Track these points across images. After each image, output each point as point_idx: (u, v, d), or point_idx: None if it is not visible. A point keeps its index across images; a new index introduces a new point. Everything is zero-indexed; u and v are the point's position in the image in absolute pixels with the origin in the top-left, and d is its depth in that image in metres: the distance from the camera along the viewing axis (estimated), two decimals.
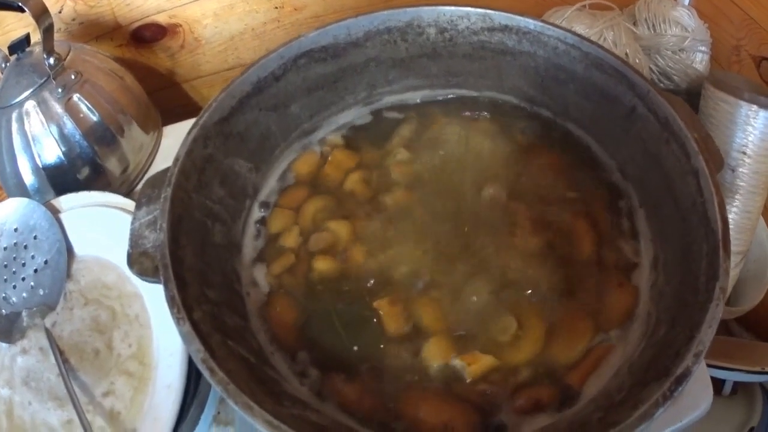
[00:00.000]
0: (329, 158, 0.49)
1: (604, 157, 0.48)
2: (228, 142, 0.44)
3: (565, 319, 0.40)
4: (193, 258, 0.38)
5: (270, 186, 0.48)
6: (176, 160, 0.39)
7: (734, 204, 0.58)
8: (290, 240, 0.45)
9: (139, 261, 0.38)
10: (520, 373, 0.38)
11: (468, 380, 0.38)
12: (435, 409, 0.37)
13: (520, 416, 0.36)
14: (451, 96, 0.53)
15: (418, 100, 0.53)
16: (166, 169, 0.40)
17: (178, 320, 0.33)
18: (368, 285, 0.42)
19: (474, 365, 0.38)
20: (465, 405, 0.37)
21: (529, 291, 0.41)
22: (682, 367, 0.31)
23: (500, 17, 0.46)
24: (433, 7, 0.47)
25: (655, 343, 0.36)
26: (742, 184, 0.59)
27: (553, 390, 0.37)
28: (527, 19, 0.46)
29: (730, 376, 0.60)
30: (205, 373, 0.31)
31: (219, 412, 0.47)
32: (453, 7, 0.47)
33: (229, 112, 0.43)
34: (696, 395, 0.41)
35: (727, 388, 0.63)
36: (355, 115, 0.52)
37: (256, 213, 0.47)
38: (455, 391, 0.38)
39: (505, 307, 0.40)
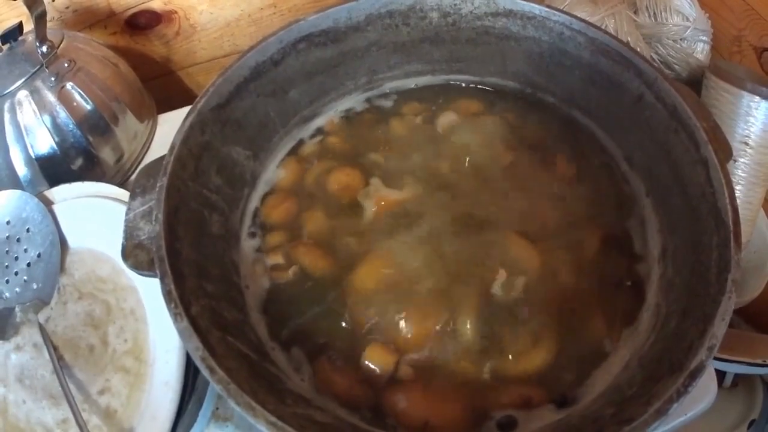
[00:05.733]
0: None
1: (610, 146, 0.47)
2: (225, 128, 0.42)
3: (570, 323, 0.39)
4: (190, 250, 0.37)
5: (269, 173, 0.47)
6: (172, 147, 0.38)
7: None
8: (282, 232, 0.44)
9: (134, 254, 0.36)
10: (518, 376, 0.37)
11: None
12: (417, 404, 0.36)
13: (527, 412, 0.36)
14: (454, 82, 0.52)
15: (416, 86, 0.52)
16: (162, 158, 0.38)
17: (175, 316, 0.32)
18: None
19: None
20: (454, 401, 0.36)
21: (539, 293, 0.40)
22: (696, 361, 0.30)
23: (504, 2, 0.46)
24: None
25: (666, 336, 0.35)
26: (743, 175, 0.58)
27: (547, 393, 0.36)
28: (532, 4, 0.45)
29: (731, 369, 0.59)
30: (205, 372, 0.30)
31: (218, 408, 0.45)
32: None
33: (226, 97, 0.42)
34: (701, 388, 0.41)
35: (728, 381, 0.63)
36: (356, 101, 0.51)
37: (254, 202, 0.46)
38: (448, 386, 0.37)
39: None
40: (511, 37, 0.47)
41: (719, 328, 0.31)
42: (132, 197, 0.39)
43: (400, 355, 0.38)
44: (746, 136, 0.57)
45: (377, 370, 0.37)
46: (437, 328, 0.38)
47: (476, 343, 0.38)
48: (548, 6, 0.45)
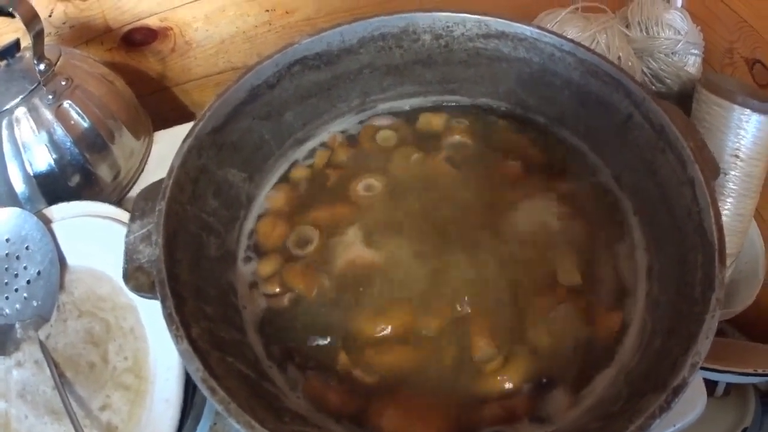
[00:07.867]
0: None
1: (598, 165, 0.48)
2: (221, 152, 0.43)
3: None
4: (188, 273, 0.37)
5: (264, 195, 0.48)
6: (170, 171, 0.39)
7: (726, 207, 0.58)
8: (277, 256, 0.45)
9: (135, 276, 0.37)
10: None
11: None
12: (400, 419, 0.37)
13: (513, 426, 0.36)
14: (446, 103, 0.53)
15: (410, 108, 0.53)
16: (160, 181, 0.39)
17: (176, 338, 0.33)
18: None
19: None
20: (438, 416, 0.37)
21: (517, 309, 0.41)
22: (679, 378, 0.31)
23: (496, 24, 0.46)
24: (429, 14, 0.47)
25: (652, 353, 0.36)
26: (734, 187, 0.59)
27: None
28: (523, 26, 0.46)
29: (723, 378, 0.60)
30: (206, 393, 0.31)
31: (215, 423, 0.46)
32: (448, 14, 0.47)
33: (223, 121, 0.43)
34: (690, 399, 0.42)
35: (720, 389, 0.64)
36: (349, 123, 0.52)
37: (250, 223, 0.46)
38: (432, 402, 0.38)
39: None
40: (503, 59, 0.48)
41: (703, 345, 0.32)
42: (131, 220, 0.40)
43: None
44: (737, 149, 0.57)
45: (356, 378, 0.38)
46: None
47: (460, 358, 0.39)
48: (539, 27, 0.45)
